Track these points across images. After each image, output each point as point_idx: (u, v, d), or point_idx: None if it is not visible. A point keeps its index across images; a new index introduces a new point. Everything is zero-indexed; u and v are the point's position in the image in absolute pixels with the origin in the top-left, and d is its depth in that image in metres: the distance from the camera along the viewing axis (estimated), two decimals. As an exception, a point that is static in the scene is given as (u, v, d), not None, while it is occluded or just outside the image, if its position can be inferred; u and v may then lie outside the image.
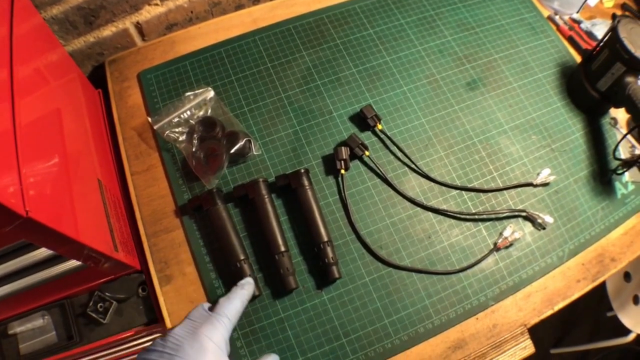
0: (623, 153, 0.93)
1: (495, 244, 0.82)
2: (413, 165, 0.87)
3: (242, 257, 0.76)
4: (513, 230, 0.83)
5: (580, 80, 0.93)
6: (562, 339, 2.00)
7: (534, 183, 0.87)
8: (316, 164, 0.86)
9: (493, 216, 0.85)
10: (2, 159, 0.45)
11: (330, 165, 0.86)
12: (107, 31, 0.93)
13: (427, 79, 0.95)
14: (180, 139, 0.84)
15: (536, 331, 0.79)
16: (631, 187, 0.90)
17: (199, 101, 0.87)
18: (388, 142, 0.89)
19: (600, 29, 1.04)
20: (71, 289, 0.76)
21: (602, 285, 1.66)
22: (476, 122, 0.92)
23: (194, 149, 0.82)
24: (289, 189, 0.82)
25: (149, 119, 0.87)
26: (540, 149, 0.91)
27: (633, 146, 0.94)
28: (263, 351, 0.74)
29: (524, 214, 0.85)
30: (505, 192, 0.87)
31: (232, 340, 0.74)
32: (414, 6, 1.03)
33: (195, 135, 0.83)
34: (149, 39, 1.00)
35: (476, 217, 0.84)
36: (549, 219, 0.84)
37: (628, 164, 0.88)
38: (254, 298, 0.76)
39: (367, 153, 0.85)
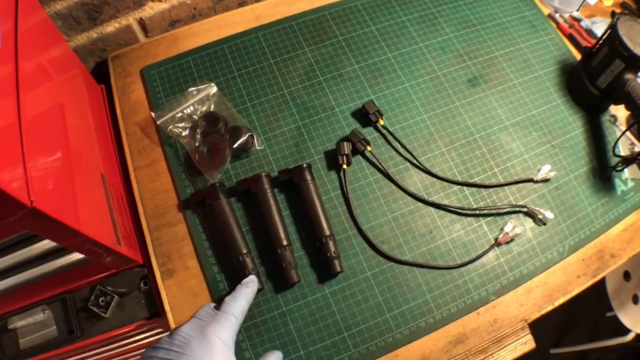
0: (622, 150, 0.93)
1: (496, 239, 0.83)
2: (415, 161, 0.87)
3: (244, 251, 0.77)
4: (514, 225, 0.83)
5: (580, 78, 0.94)
6: (562, 339, 2.01)
7: (535, 179, 0.88)
8: (318, 159, 0.87)
9: (494, 211, 0.85)
10: (8, 152, 0.46)
11: (333, 160, 0.86)
12: (111, 27, 0.94)
13: (429, 76, 0.96)
14: (184, 134, 0.85)
15: (536, 331, 0.79)
16: (631, 184, 0.91)
17: (202, 97, 0.88)
18: (390, 137, 0.89)
19: (600, 27, 1.04)
20: (72, 283, 0.76)
21: (602, 285, 1.66)
22: (477, 119, 0.93)
23: (197, 144, 0.83)
24: (292, 183, 0.82)
25: (152, 114, 0.87)
26: (540, 145, 0.91)
27: (632, 144, 0.94)
28: (265, 344, 0.74)
29: (524, 209, 0.85)
30: (506, 187, 0.87)
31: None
32: (416, 3, 1.04)
33: (198, 130, 0.83)
34: (152, 36, 1.01)
35: (477, 212, 0.85)
36: (549, 214, 0.84)
37: (627, 161, 0.89)
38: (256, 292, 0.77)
39: (369, 148, 0.85)
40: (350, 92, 0.93)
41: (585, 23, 1.05)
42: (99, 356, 0.90)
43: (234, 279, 0.77)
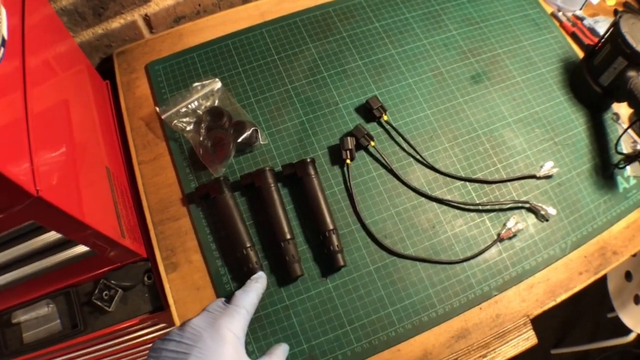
0: (625, 148, 0.94)
1: (498, 234, 0.83)
2: (418, 156, 0.88)
3: (248, 245, 0.77)
4: (516, 221, 0.84)
5: (583, 75, 0.94)
6: (563, 339, 2.01)
7: (537, 175, 0.88)
8: (322, 154, 0.87)
9: (497, 207, 0.85)
10: (15, 144, 0.47)
11: (336, 155, 0.87)
12: (116, 23, 0.94)
13: (432, 72, 0.96)
14: (188, 128, 0.85)
15: (537, 331, 0.79)
16: (633, 181, 0.91)
17: (207, 92, 0.88)
18: (393, 133, 0.89)
19: (602, 26, 1.05)
20: (76, 277, 0.77)
21: (603, 286, 1.66)
22: (480, 115, 0.93)
23: (201, 138, 0.83)
24: (295, 178, 0.82)
25: (157, 109, 0.88)
26: (543, 142, 0.92)
27: (635, 141, 0.95)
28: (268, 338, 0.75)
29: (527, 205, 0.86)
30: (508, 183, 0.88)
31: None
32: (419, 1, 1.04)
33: (202, 125, 0.84)
34: (157, 32, 1.01)
35: (480, 207, 0.85)
36: (552, 210, 0.84)
37: (629, 158, 0.89)
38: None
39: (372, 143, 0.86)
40: (354, 87, 0.93)
41: (588, 22, 1.06)
42: (102, 351, 0.91)
43: (238, 273, 0.78)
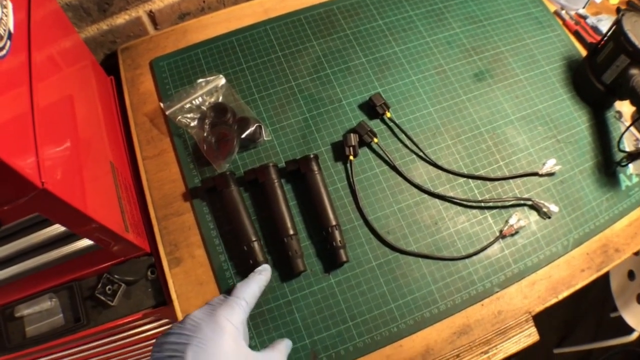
0: (627, 146, 0.94)
1: (500, 231, 0.83)
2: (421, 153, 0.88)
3: (254, 238, 0.77)
4: (518, 218, 0.84)
5: (586, 73, 0.94)
6: (566, 339, 2.01)
7: (540, 173, 0.88)
8: (325, 151, 0.87)
9: (499, 204, 0.86)
10: (21, 137, 0.47)
11: (339, 151, 0.87)
12: (121, 19, 0.94)
13: (435, 70, 0.97)
14: (192, 124, 0.86)
15: (540, 330, 0.79)
16: (635, 179, 0.91)
17: (211, 88, 0.88)
18: (396, 130, 0.90)
19: (605, 24, 1.05)
20: (80, 271, 0.77)
21: (606, 286, 1.67)
22: (483, 112, 0.93)
23: (205, 134, 0.84)
24: (299, 174, 0.83)
25: (161, 105, 0.88)
26: (546, 140, 0.92)
27: (637, 139, 0.95)
28: (270, 332, 0.75)
29: (529, 202, 0.86)
30: (511, 180, 0.88)
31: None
32: (423, -2, 1.05)
33: (206, 121, 0.84)
34: (162, 28, 1.02)
35: (482, 204, 0.85)
36: (554, 208, 0.84)
37: (632, 156, 0.89)
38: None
39: (375, 140, 0.86)
40: (358, 84, 0.94)
41: (591, 20, 1.06)
42: (105, 346, 0.91)
43: (241, 268, 0.78)
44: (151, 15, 0.97)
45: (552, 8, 1.08)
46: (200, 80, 0.89)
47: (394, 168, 0.86)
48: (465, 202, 0.85)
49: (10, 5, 0.53)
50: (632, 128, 0.95)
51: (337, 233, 0.78)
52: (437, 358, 0.76)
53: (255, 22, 1.00)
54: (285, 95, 0.92)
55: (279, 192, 0.80)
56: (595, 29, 1.05)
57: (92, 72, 0.84)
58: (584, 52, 1.03)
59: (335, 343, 0.75)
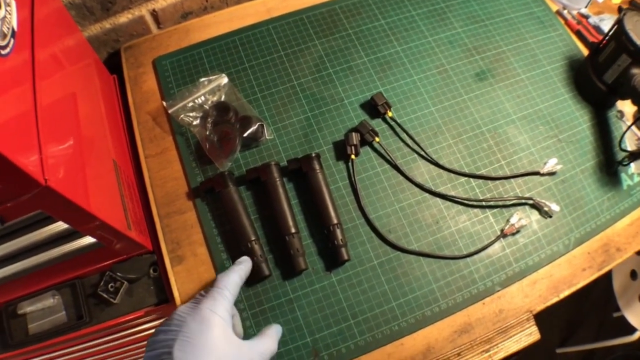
0: (629, 145, 0.94)
1: (502, 230, 0.83)
2: (422, 152, 0.88)
3: (252, 238, 0.78)
4: (520, 217, 0.84)
5: (588, 73, 0.94)
6: (568, 338, 2.00)
7: (541, 172, 0.88)
8: (327, 149, 0.88)
9: (500, 203, 0.86)
10: (24, 135, 0.47)
11: (341, 150, 0.87)
12: (124, 18, 0.95)
13: (437, 69, 0.97)
14: (195, 123, 0.86)
15: (542, 330, 0.79)
16: (637, 178, 0.91)
17: (213, 87, 0.89)
18: (398, 129, 0.90)
19: (607, 24, 1.05)
20: (82, 269, 0.78)
21: (609, 285, 1.67)
22: (485, 112, 0.93)
23: (207, 133, 0.84)
24: (300, 172, 0.83)
25: (164, 103, 0.89)
26: (547, 139, 0.92)
27: (639, 139, 0.95)
28: (272, 330, 0.75)
29: (530, 201, 0.86)
30: (512, 180, 0.88)
31: (242, 320, 0.75)
32: (425, -2, 1.05)
33: (209, 120, 0.85)
34: (165, 27, 1.02)
35: (483, 203, 0.85)
36: (555, 207, 0.85)
37: (634, 155, 0.89)
38: (264, 278, 0.78)
39: (377, 139, 0.86)
40: (360, 84, 0.94)
41: (594, 20, 1.06)
42: (108, 344, 0.91)
43: (243, 266, 0.79)
44: (154, 14, 0.97)
45: (554, 7, 1.08)
46: (203, 79, 0.89)
47: (395, 167, 0.87)
48: (466, 201, 0.85)
49: (13, 4, 0.53)
50: (633, 127, 0.95)
51: (338, 232, 0.78)
52: (438, 356, 0.76)
53: (257, 21, 1.00)
54: (287, 95, 0.92)
55: (280, 190, 0.80)
56: (597, 29, 1.05)
57: (95, 71, 0.84)
58: (585, 52, 1.03)
59: (337, 341, 0.75)
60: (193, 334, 0.59)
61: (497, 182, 0.87)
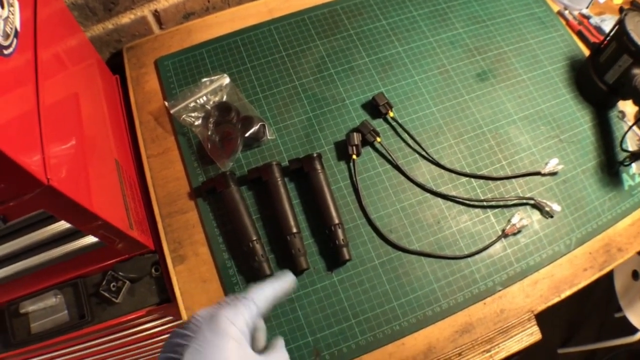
0: (630, 146, 0.94)
1: (503, 230, 0.84)
2: (423, 153, 0.88)
3: (254, 238, 0.78)
4: (521, 217, 0.84)
5: (589, 73, 0.94)
6: (570, 339, 2.00)
7: (542, 172, 0.88)
8: (328, 150, 0.88)
9: (501, 203, 0.86)
10: (27, 135, 0.48)
11: (343, 150, 0.87)
12: (126, 18, 0.95)
13: (438, 69, 0.97)
14: (196, 123, 0.86)
15: (543, 330, 0.79)
16: (638, 179, 0.91)
17: (215, 87, 0.89)
18: (399, 129, 0.90)
19: (609, 24, 1.05)
20: (85, 268, 0.78)
21: (610, 286, 1.66)
22: (486, 112, 0.93)
23: (209, 133, 0.84)
24: (302, 172, 0.83)
25: (166, 104, 0.89)
26: (548, 139, 0.92)
27: (641, 139, 0.95)
28: (273, 330, 0.76)
29: (532, 201, 0.86)
30: (513, 180, 0.88)
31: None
32: (426, -2, 1.05)
33: (211, 120, 0.85)
34: (167, 27, 1.02)
35: (485, 203, 0.86)
36: (556, 207, 0.85)
37: (635, 156, 0.89)
38: (265, 278, 0.77)
39: (378, 139, 0.86)
40: (361, 84, 0.94)
41: (595, 20, 1.06)
42: (109, 343, 0.92)
43: (244, 266, 0.79)
44: (156, 14, 0.98)
45: (556, 8, 1.08)
46: (205, 79, 0.90)
47: (396, 167, 0.87)
48: (467, 201, 0.85)
49: (16, 4, 0.53)
50: (634, 127, 0.95)
51: (340, 231, 0.79)
52: (439, 356, 0.76)
53: (259, 22, 1.00)
54: (289, 95, 0.92)
55: (282, 190, 0.81)
56: (599, 29, 1.05)
57: (98, 71, 0.84)
58: (587, 52, 1.03)
59: (338, 341, 0.75)
60: (205, 343, 0.55)
61: (499, 182, 0.88)
